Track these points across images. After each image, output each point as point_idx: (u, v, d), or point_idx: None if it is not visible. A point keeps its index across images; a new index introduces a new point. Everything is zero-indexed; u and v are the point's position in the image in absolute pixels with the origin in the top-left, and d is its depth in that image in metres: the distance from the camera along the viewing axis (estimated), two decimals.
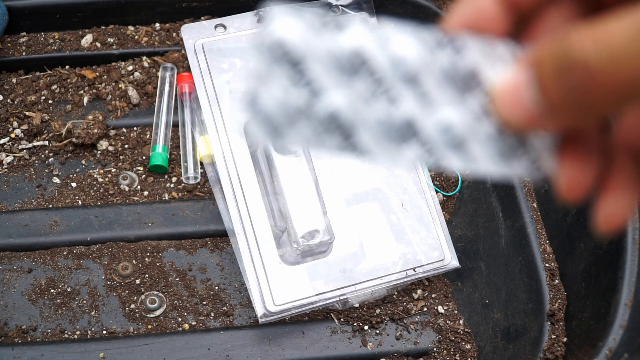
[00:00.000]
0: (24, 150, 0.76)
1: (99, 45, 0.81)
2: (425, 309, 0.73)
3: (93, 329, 0.69)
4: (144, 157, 0.77)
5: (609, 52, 0.21)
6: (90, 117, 0.76)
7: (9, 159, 0.76)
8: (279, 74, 0.23)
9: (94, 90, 0.79)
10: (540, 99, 0.23)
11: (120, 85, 0.79)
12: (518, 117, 0.24)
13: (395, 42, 0.24)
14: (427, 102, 0.24)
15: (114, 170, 0.76)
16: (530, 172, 0.25)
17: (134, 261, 0.72)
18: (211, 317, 0.71)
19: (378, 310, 0.72)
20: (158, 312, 0.70)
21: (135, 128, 0.78)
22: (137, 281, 0.71)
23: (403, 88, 0.24)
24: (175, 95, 0.79)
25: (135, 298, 0.70)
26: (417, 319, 0.72)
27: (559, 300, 0.68)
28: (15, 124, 0.77)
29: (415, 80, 0.24)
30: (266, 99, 0.23)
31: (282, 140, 0.23)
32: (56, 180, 0.75)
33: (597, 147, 0.25)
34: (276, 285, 0.68)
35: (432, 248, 0.72)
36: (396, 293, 0.73)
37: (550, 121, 0.23)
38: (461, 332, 0.72)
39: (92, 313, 0.70)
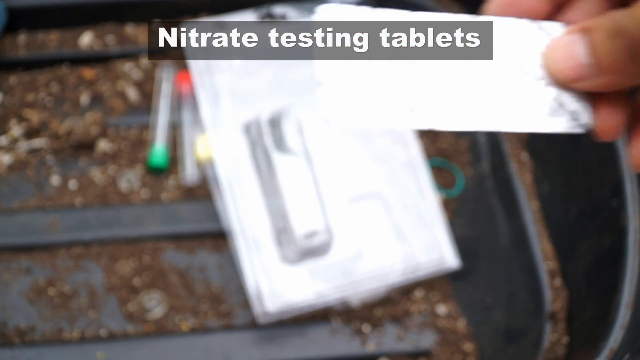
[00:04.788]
0: (22, 150, 0.76)
1: (97, 44, 0.80)
2: (425, 310, 0.72)
3: (92, 330, 0.69)
4: (142, 157, 0.76)
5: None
6: (89, 116, 0.75)
7: (7, 158, 0.75)
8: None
9: (93, 90, 0.79)
10: (590, 60, 0.28)
11: (119, 84, 0.79)
12: (569, 71, 0.29)
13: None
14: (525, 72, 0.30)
15: (112, 170, 0.76)
16: (571, 127, 0.31)
17: (133, 261, 0.72)
18: (210, 318, 0.70)
19: (378, 310, 0.72)
20: (157, 313, 0.70)
21: (134, 127, 0.78)
22: (136, 281, 0.71)
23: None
24: (175, 94, 0.78)
25: (134, 298, 0.70)
26: (417, 320, 0.72)
27: (560, 301, 0.68)
28: (13, 123, 0.77)
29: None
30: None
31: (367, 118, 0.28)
32: (55, 180, 0.75)
33: (625, 99, 0.30)
34: (275, 286, 0.68)
35: (432, 248, 0.71)
36: (396, 293, 0.73)
37: (597, 78, 0.28)
38: (461, 333, 0.71)
39: (91, 313, 0.69)
